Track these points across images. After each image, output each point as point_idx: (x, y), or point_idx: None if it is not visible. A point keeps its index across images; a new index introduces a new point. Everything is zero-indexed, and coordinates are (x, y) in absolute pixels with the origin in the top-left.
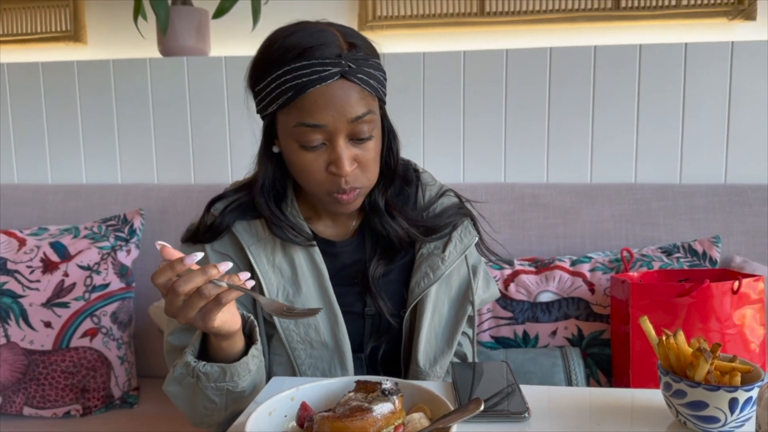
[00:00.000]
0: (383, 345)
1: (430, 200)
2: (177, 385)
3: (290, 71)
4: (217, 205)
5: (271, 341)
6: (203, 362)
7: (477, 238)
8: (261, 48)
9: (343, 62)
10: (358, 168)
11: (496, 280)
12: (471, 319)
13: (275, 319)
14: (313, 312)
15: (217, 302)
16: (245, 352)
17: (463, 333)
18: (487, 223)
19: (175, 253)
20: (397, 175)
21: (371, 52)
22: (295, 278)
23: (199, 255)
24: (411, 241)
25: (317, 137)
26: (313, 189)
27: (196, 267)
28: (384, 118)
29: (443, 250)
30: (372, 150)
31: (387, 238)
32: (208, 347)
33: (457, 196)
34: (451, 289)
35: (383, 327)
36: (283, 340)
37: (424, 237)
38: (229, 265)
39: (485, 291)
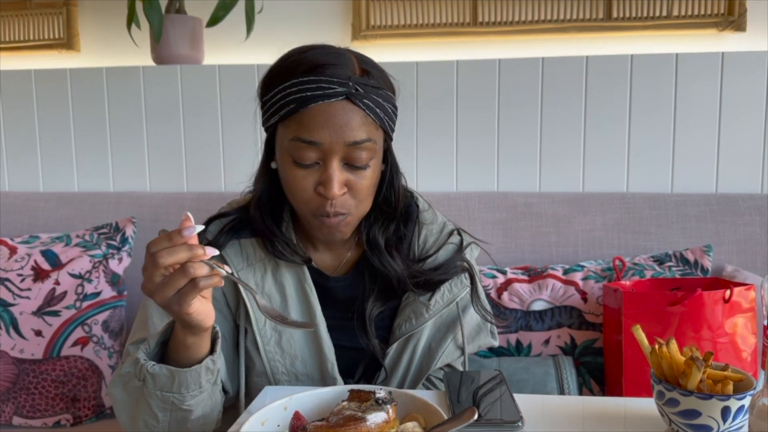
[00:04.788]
0: (373, 373)
1: (428, 250)
2: (122, 388)
3: (296, 84)
4: (211, 228)
5: (250, 375)
6: (153, 362)
7: (467, 289)
8: (277, 60)
9: (351, 84)
10: (348, 194)
11: (489, 289)
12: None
13: (261, 350)
14: (306, 325)
15: (194, 285)
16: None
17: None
18: (492, 261)
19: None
20: (398, 213)
21: (386, 84)
22: (285, 306)
23: (199, 228)
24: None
25: (311, 155)
26: (300, 207)
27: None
28: (388, 151)
29: (429, 298)
30: (367, 179)
31: (386, 278)
32: (169, 347)
33: (461, 234)
34: (437, 326)
35: (373, 359)
36: (267, 372)
37: (415, 289)
38: (216, 251)
39: (471, 341)
